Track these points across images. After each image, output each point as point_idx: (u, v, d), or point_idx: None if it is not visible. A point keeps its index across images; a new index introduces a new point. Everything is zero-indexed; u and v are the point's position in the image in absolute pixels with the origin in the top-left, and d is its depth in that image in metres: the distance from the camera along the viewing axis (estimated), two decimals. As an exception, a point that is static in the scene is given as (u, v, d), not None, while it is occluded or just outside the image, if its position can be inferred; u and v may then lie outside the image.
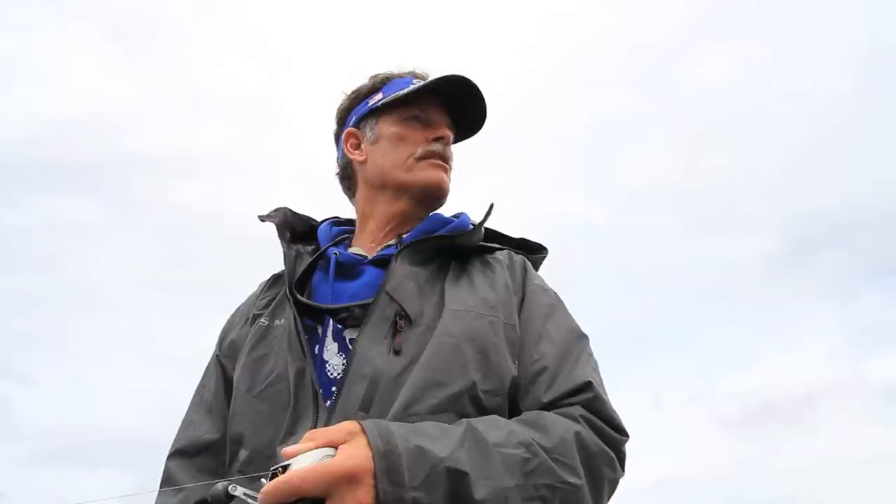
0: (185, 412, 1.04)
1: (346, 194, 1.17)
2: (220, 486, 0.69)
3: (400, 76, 1.11)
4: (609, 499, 0.86)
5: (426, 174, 1.04)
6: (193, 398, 1.05)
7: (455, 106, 1.10)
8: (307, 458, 0.66)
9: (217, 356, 1.05)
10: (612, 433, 0.86)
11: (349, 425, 0.71)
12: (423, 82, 1.08)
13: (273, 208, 1.11)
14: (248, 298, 1.12)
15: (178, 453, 0.98)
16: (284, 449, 0.69)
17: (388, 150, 1.06)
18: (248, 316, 1.04)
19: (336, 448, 0.68)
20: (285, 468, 0.66)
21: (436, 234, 1.01)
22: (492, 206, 1.05)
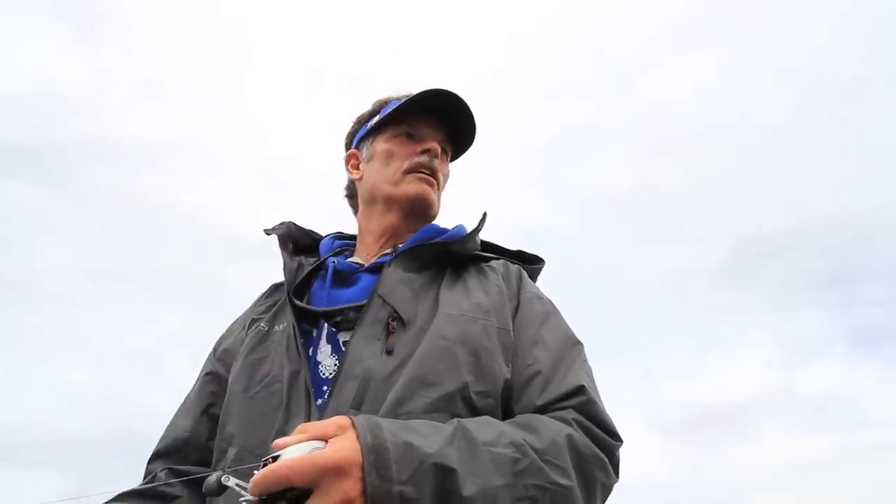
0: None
1: (353, 214, 1.22)
2: (212, 477, 0.70)
3: (398, 98, 1.16)
4: None
5: (410, 187, 1.09)
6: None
7: (449, 124, 1.14)
8: (296, 450, 0.67)
9: (208, 360, 1.09)
10: (605, 437, 0.86)
11: (340, 420, 0.73)
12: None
13: (278, 222, 1.15)
14: (246, 310, 1.15)
15: (155, 456, 1.01)
16: (276, 441, 0.70)
17: (379, 166, 1.12)
18: (245, 322, 1.07)
19: (326, 441, 0.69)
20: (276, 459, 0.67)
21: (430, 241, 1.04)
22: (485, 214, 1.09)
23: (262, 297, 1.14)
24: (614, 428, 0.88)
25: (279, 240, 1.11)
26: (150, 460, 1.01)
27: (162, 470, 0.97)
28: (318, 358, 0.93)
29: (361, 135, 1.18)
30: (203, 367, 1.09)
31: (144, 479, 0.98)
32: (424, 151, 1.10)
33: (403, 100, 1.13)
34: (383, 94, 1.20)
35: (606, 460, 0.85)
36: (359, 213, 1.17)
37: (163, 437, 1.03)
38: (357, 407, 0.83)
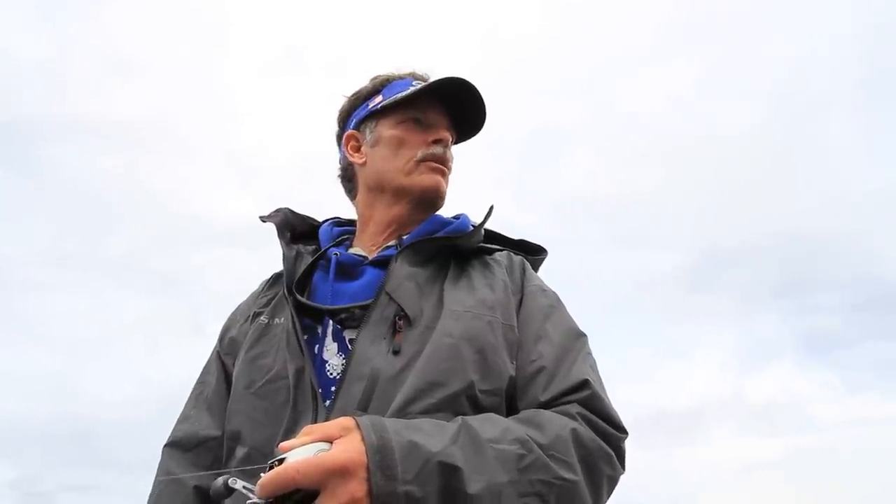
0: (182, 406, 1.05)
1: (348, 196, 1.18)
2: (219, 480, 0.70)
3: (400, 78, 1.12)
4: (609, 496, 0.86)
5: (423, 179, 1.05)
6: (191, 394, 1.06)
7: (455, 107, 1.10)
8: (302, 452, 0.67)
9: (217, 352, 1.06)
10: (610, 430, 0.86)
11: (344, 421, 0.72)
12: (422, 84, 1.08)
13: (274, 209, 1.11)
14: (249, 296, 1.13)
15: (173, 445, 1.00)
16: (281, 444, 0.70)
17: (387, 153, 1.07)
18: (248, 314, 1.05)
19: (331, 443, 0.69)
20: (281, 462, 0.67)
21: (436, 235, 1.02)
22: (491, 207, 1.06)
23: (263, 286, 1.11)
24: (619, 420, 0.88)
25: (277, 229, 1.07)
26: (166, 447, 0.99)
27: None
28: (325, 356, 0.92)
29: (362, 115, 1.12)
30: (212, 357, 1.07)
31: (160, 466, 0.97)
32: (436, 141, 1.06)
33: (407, 80, 1.10)
34: (382, 71, 1.14)
35: (612, 453, 0.85)
36: (359, 199, 1.13)
37: (180, 427, 1.01)
38: (364, 408, 0.82)
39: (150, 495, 0.95)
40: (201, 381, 1.05)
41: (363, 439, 0.69)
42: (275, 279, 1.11)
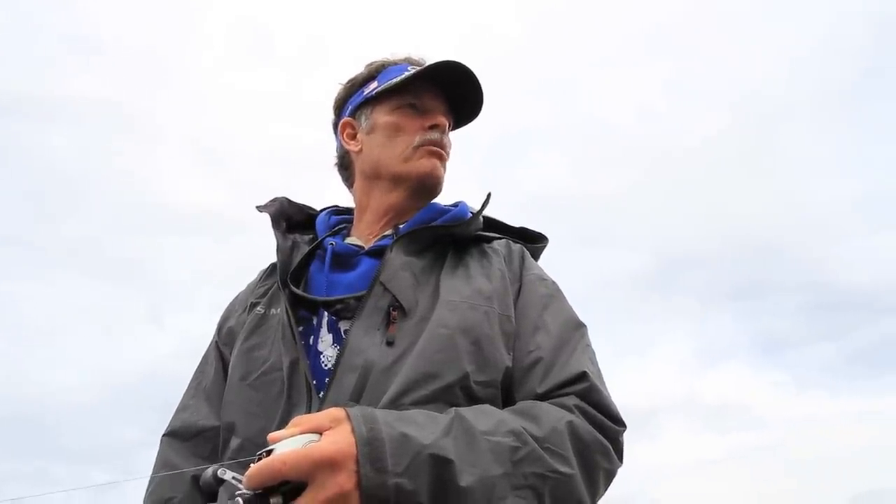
0: (181, 396, 1.05)
1: (345, 184, 1.16)
2: (209, 471, 0.70)
3: (395, 63, 1.10)
4: (605, 489, 0.85)
5: (420, 165, 1.03)
6: (191, 383, 1.05)
7: (452, 92, 1.08)
8: (291, 444, 0.67)
9: (216, 343, 1.06)
10: (607, 423, 0.84)
11: (334, 412, 0.71)
12: (417, 69, 1.06)
13: (270, 198, 1.10)
14: (248, 286, 1.12)
15: (171, 434, 1.00)
16: (270, 434, 0.69)
17: (383, 139, 1.05)
18: (246, 304, 1.04)
19: (321, 434, 0.68)
20: (270, 453, 0.66)
21: (433, 223, 1.01)
22: (489, 195, 1.05)
23: (261, 276, 1.10)
24: (617, 413, 0.87)
25: (271, 219, 1.06)
26: (165, 437, 1.00)
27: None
28: (320, 348, 0.91)
29: (357, 102, 1.10)
30: (210, 347, 1.07)
31: (158, 457, 0.98)
32: (433, 127, 1.04)
33: (402, 65, 1.08)
34: (378, 57, 1.12)
35: (609, 445, 0.83)
36: (356, 187, 1.12)
37: (179, 416, 1.01)
38: (356, 399, 0.81)
39: (149, 484, 0.95)
40: (200, 371, 1.05)
41: (353, 430, 0.68)
42: (273, 269, 1.09)
